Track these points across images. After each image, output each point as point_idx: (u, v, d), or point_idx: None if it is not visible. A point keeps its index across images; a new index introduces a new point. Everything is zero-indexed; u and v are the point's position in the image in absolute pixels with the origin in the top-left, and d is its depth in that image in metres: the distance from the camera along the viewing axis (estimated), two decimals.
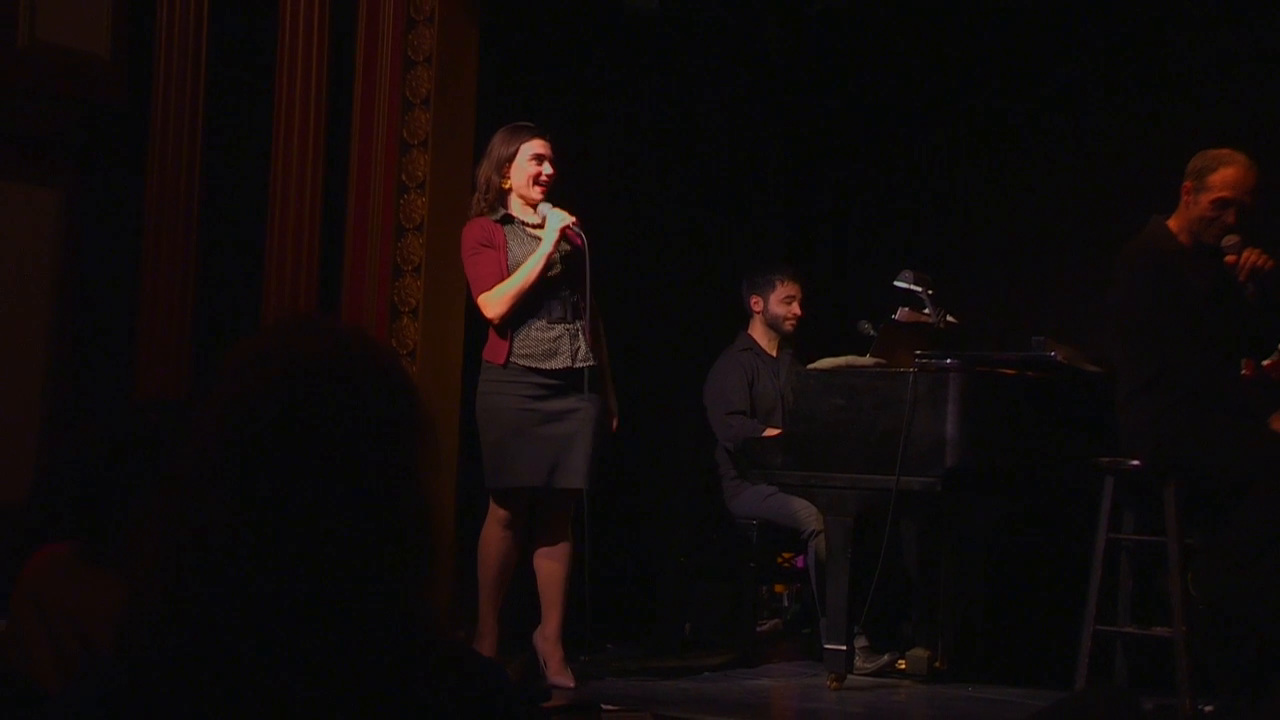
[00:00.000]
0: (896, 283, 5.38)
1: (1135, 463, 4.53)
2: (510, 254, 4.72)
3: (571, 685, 4.75)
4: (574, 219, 4.71)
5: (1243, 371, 4.76)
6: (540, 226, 4.77)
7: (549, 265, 4.71)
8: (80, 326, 5.26)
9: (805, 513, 5.39)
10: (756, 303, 5.99)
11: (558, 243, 4.69)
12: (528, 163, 4.76)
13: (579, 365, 4.74)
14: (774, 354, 5.99)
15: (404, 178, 5.51)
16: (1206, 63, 6.39)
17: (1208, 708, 4.37)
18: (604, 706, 4.16)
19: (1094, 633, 4.58)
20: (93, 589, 2.15)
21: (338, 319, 1.57)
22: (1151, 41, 6.54)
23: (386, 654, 1.28)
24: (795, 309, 5.96)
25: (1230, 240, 4.40)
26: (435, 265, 5.47)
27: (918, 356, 4.92)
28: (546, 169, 4.77)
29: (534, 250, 4.71)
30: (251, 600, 1.25)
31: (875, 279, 5.73)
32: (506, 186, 4.79)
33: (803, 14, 7.03)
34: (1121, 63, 6.62)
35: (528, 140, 4.77)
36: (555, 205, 4.77)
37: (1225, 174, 4.42)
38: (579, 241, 4.76)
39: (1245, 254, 4.37)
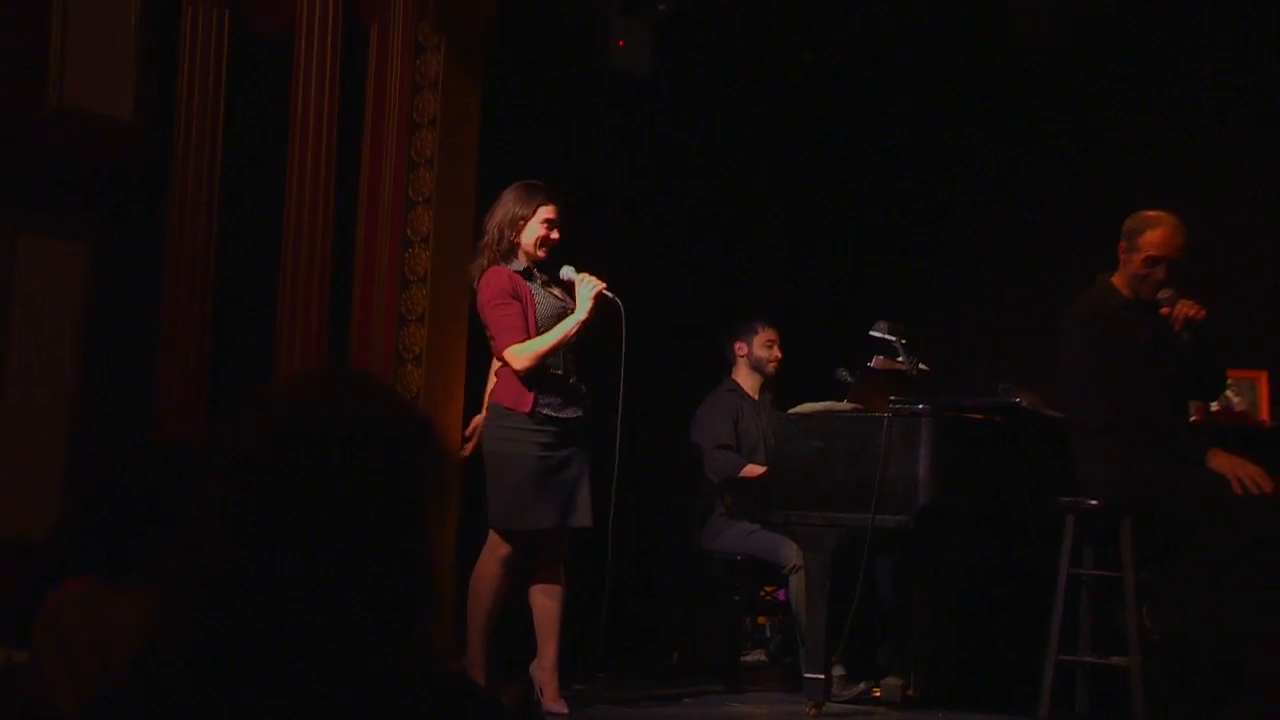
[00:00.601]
0: (872, 333, 5.47)
1: (1094, 503, 4.61)
2: (539, 308, 4.81)
3: (566, 712, 4.80)
4: (604, 283, 4.80)
5: (1193, 417, 4.83)
6: (556, 283, 4.86)
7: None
8: (103, 371, 5.32)
9: (786, 549, 5.44)
10: (741, 348, 6.10)
11: (593, 310, 4.77)
12: (539, 225, 4.85)
13: (583, 415, 4.85)
14: (756, 397, 6.10)
15: (409, 233, 5.59)
16: (1174, 118, 6.49)
17: None
18: None
19: (1056, 662, 4.64)
20: (112, 621, 2.19)
21: (356, 367, 1.57)
22: (1117, 102, 6.63)
23: (388, 684, 1.28)
24: (776, 352, 6.09)
25: (1165, 294, 4.52)
26: (438, 315, 5.54)
27: (892, 402, 5.00)
28: (555, 234, 4.86)
29: (557, 306, 4.84)
30: (258, 635, 1.26)
31: (853, 329, 5.80)
32: (516, 241, 4.86)
33: (787, 76, 7.12)
34: (1089, 120, 6.71)
35: (543, 204, 4.86)
36: (579, 269, 4.85)
37: (1153, 235, 4.54)
38: (616, 306, 4.81)
39: (1179, 306, 4.47)
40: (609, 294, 4.80)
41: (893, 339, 5.43)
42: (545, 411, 4.79)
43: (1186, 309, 4.46)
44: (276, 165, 5.51)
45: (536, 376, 4.78)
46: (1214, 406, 5.12)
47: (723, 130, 7.22)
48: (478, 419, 5.12)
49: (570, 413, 4.84)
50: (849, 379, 5.49)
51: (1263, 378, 5.57)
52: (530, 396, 4.77)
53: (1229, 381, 5.26)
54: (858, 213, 7.39)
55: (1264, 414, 5.51)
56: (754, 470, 5.69)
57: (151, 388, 5.40)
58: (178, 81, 5.48)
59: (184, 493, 1.38)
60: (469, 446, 5.06)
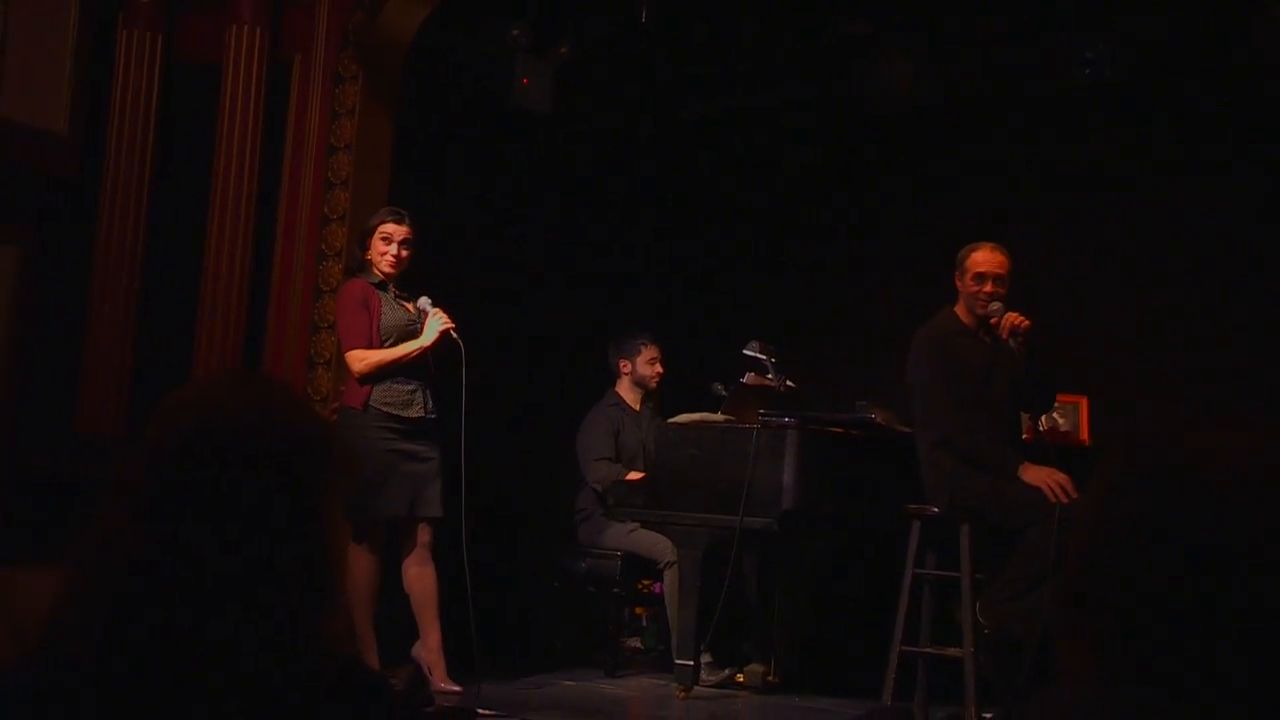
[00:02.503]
0: (745, 351, 5.54)
1: (935, 510, 4.68)
2: (383, 317, 4.84)
3: (459, 690, 4.76)
4: (453, 325, 4.83)
5: (1024, 436, 4.93)
6: (411, 299, 4.88)
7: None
8: (31, 366, 5.23)
9: (662, 546, 5.49)
10: (625, 366, 6.11)
11: (436, 341, 4.80)
12: (378, 241, 4.88)
13: (429, 416, 4.85)
14: (637, 408, 6.13)
15: (323, 247, 5.57)
16: (1008, 173, 6.66)
17: (988, 715, 4.52)
18: (480, 711, 4.14)
19: (900, 652, 4.71)
20: (25, 602, 2.15)
21: (264, 374, 1.56)
22: (959, 158, 6.79)
23: (292, 668, 1.28)
24: (658, 368, 6.12)
25: (994, 306, 4.65)
26: None
27: (761, 415, 5.07)
28: (394, 250, 4.87)
29: (403, 317, 4.86)
30: (169, 617, 1.26)
31: (727, 347, 5.86)
32: (366, 256, 4.90)
33: (673, 120, 7.20)
34: (940, 170, 6.86)
35: (383, 222, 4.89)
36: (434, 303, 4.87)
37: (975, 256, 4.71)
38: (458, 346, 4.83)
39: (1005, 317, 4.59)
40: (454, 335, 4.83)
41: (764, 358, 5.50)
42: (383, 409, 4.80)
43: (1012, 318, 4.60)
44: (202, 181, 5.48)
45: (374, 379, 4.80)
46: (1042, 425, 5.23)
47: (614, 162, 7.28)
48: None
49: (414, 412, 4.85)
50: (723, 393, 5.56)
51: (1083, 402, 5.74)
52: (363, 395, 4.81)
53: (1055, 404, 5.41)
54: (739, 242, 7.47)
55: (1084, 434, 5.67)
56: (633, 476, 5.72)
57: (77, 382, 5.33)
58: (111, 100, 5.45)
59: (106, 486, 1.37)
60: None
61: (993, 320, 4.65)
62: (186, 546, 1.27)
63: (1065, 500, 4.40)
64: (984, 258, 4.70)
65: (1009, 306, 4.66)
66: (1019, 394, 4.69)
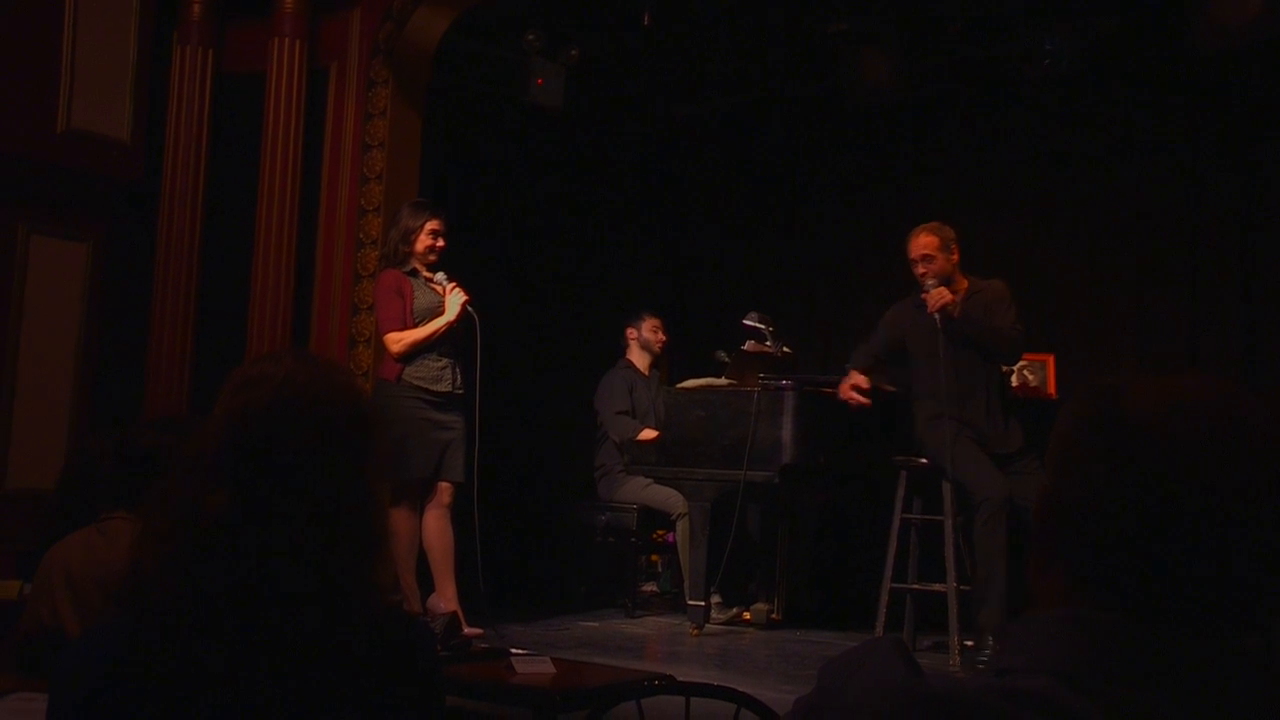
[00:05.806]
0: (745, 321, 5.59)
1: (923, 460, 4.69)
2: (416, 301, 4.89)
3: (480, 632, 4.75)
4: (467, 297, 4.90)
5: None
6: (434, 281, 4.93)
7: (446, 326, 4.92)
8: (102, 351, 5.29)
9: (674, 499, 5.53)
10: (632, 333, 6.20)
11: (459, 316, 4.85)
12: (426, 236, 4.92)
13: (456, 391, 4.86)
14: (646, 373, 6.17)
15: (361, 236, 5.59)
16: (978, 159, 6.64)
17: (969, 642, 4.54)
18: (512, 651, 4.14)
19: (890, 589, 4.73)
20: (110, 561, 2.17)
21: (316, 353, 1.55)
22: (939, 148, 6.77)
23: (346, 611, 1.30)
24: (661, 335, 6.21)
25: (929, 283, 4.67)
26: None
27: (761, 379, 5.13)
28: (439, 242, 4.94)
29: (434, 299, 4.92)
30: (235, 566, 1.27)
31: (729, 318, 5.85)
32: (409, 250, 4.93)
33: (670, 118, 7.18)
34: (919, 161, 6.84)
35: (429, 219, 4.95)
36: (450, 277, 4.91)
37: (908, 245, 4.75)
38: (473, 318, 4.89)
39: (928, 294, 4.58)
40: (470, 309, 4.89)
41: (762, 327, 5.53)
42: (415, 382, 4.87)
43: (935, 294, 4.59)
44: (250, 180, 5.51)
45: (409, 357, 4.86)
46: (1013, 382, 5.21)
47: (622, 154, 7.25)
48: None
49: (443, 387, 4.91)
50: (726, 359, 5.59)
51: (1050, 360, 5.73)
52: (397, 369, 4.88)
53: (1024, 362, 5.39)
54: (738, 224, 7.45)
55: (1051, 389, 5.66)
56: (649, 434, 5.75)
57: (142, 364, 5.38)
58: (168, 109, 5.50)
59: (173, 458, 1.39)
60: None
61: (924, 295, 4.65)
62: (262, 504, 1.29)
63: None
64: (910, 245, 4.80)
65: (967, 270, 4.71)
66: (978, 353, 4.68)
